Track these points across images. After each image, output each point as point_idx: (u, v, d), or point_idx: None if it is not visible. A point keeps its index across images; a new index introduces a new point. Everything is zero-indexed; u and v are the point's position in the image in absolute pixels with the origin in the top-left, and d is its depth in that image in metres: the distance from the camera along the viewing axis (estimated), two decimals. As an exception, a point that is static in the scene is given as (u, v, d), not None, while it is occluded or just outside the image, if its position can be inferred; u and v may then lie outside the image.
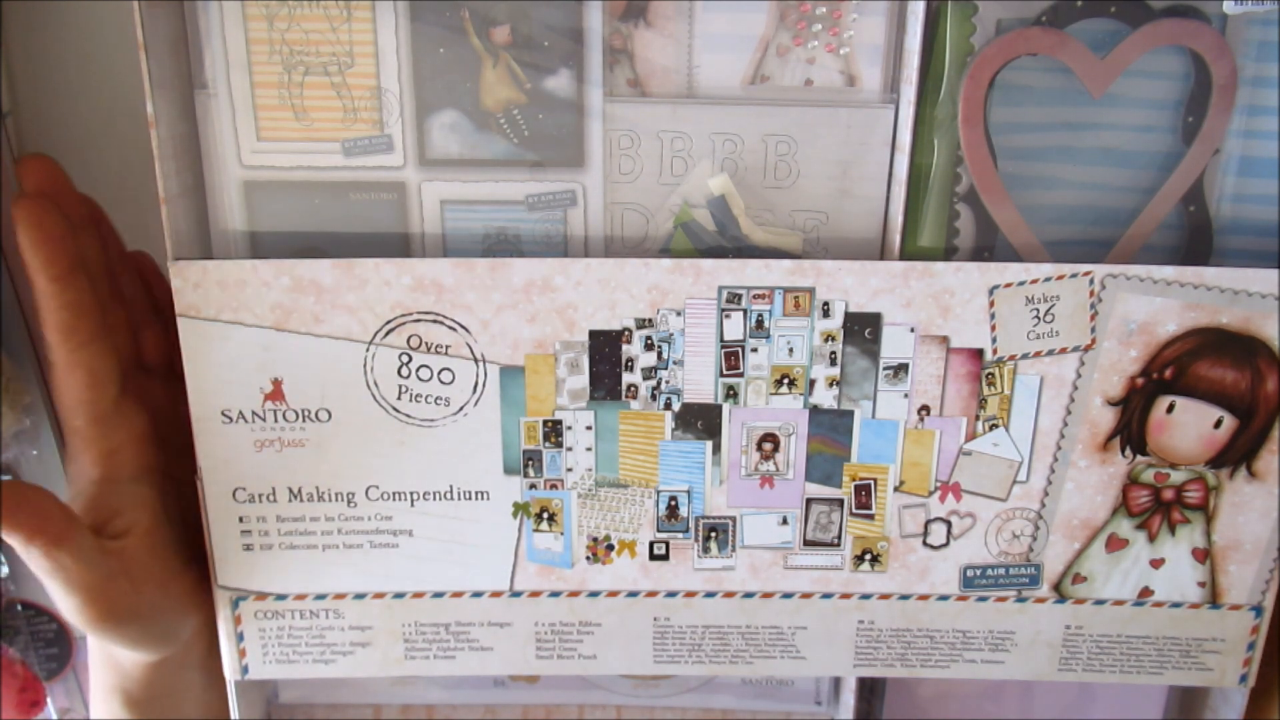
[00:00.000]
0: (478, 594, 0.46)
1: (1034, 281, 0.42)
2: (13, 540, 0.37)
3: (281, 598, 0.46)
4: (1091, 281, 0.42)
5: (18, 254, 0.39)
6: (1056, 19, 0.40)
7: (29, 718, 0.55)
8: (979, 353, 0.43)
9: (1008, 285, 0.42)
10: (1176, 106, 0.42)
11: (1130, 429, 0.43)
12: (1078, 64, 0.41)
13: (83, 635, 0.55)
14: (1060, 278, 0.42)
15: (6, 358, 0.49)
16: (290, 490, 0.44)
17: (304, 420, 0.43)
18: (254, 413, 0.43)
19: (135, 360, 0.44)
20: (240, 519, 0.44)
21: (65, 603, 0.39)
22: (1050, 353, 0.43)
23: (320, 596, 0.46)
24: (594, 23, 0.40)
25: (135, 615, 0.41)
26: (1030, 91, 0.42)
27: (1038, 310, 0.42)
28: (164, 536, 0.43)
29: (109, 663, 0.44)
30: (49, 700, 0.56)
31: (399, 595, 0.46)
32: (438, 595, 0.46)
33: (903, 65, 0.41)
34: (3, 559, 0.52)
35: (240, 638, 0.46)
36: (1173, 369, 0.42)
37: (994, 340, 0.42)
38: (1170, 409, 0.43)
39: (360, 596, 0.46)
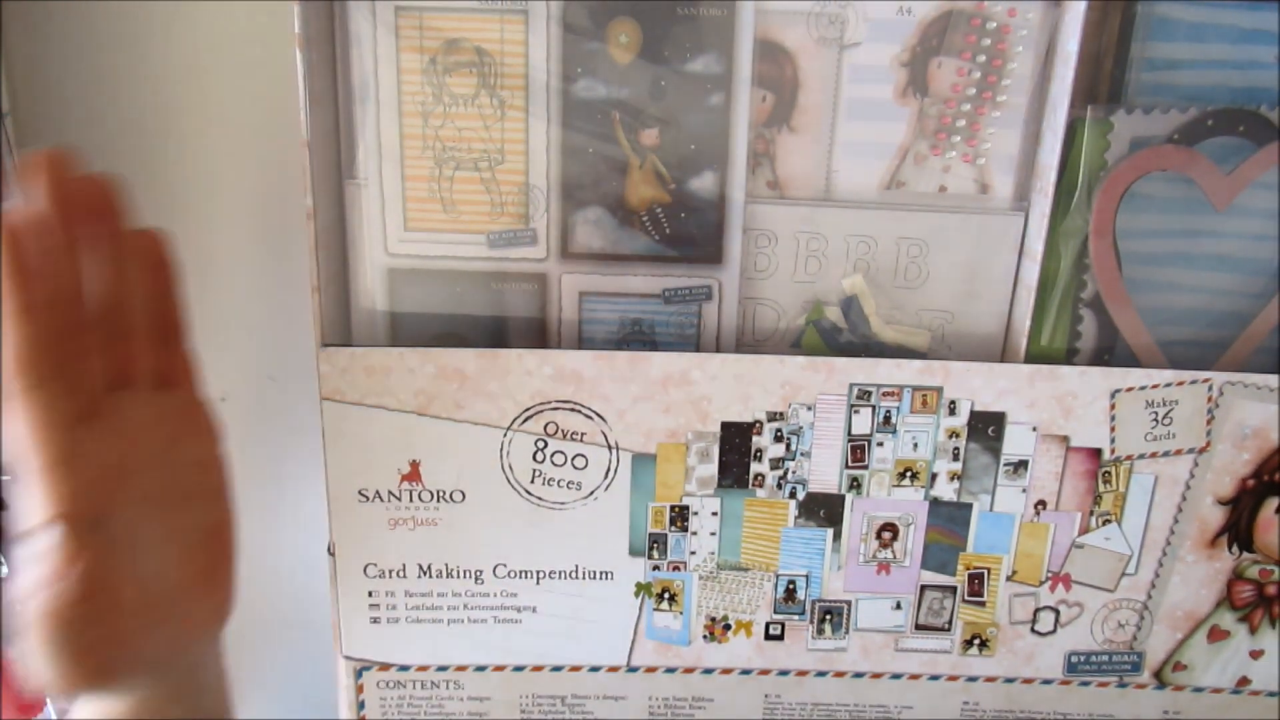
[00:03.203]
0: (595, 668, 0.47)
1: (1155, 386, 0.43)
2: None
3: (404, 668, 0.47)
4: (1210, 388, 0.43)
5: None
6: (1187, 136, 0.41)
7: (28, 718, 0.54)
8: (1097, 452, 0.44)
9: (1129, 389, 0.43)
10: (1293, 218, 0.43)
11: (1238, 527, 0.45)
12: (1204, 179, 0.42)
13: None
14: (1180, 383, 0.43)
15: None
16: (420, 566, 0.45)
17: (438, 500, 0.44)
18: (390, 492, 0.44)
19: (117, 380, 0.38)
20: (369, 593, 0.45)
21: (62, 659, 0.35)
22: (1166, 454, 0.44)
23: (442, 668, 0.47)
24: (740, 128, 0.42)
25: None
26: (1154, 200, 0.43)
27: (1156, 413, 0.43)
28: (124, 579, 0.37)
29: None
30: (49, 700, 0.55)
31: (519, 668, 0.47)
32: (556, 669, 0.47)
33: (1037, 177, 0.42)
34: (2, 560, 0.52)
35: (361, 705, 0.47)
36: (1285, 473, 0.44)
37: (1113, 441, 0.44)
38: (1279, 509, 0.44)
39: (481, 669, 0.47)
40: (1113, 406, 0.43)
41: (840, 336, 0.44)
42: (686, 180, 0.42)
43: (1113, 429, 0.44)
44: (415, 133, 0.42)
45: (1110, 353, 0.44)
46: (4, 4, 0.46)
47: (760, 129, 0.42)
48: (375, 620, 0.46)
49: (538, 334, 0.44)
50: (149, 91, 0.48)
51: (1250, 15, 0.41)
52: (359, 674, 0.47)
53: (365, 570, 0.45)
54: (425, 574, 0.45)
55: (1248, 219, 0.44)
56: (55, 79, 0.48)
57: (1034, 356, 0.44)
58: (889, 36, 0.41)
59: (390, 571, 0.45)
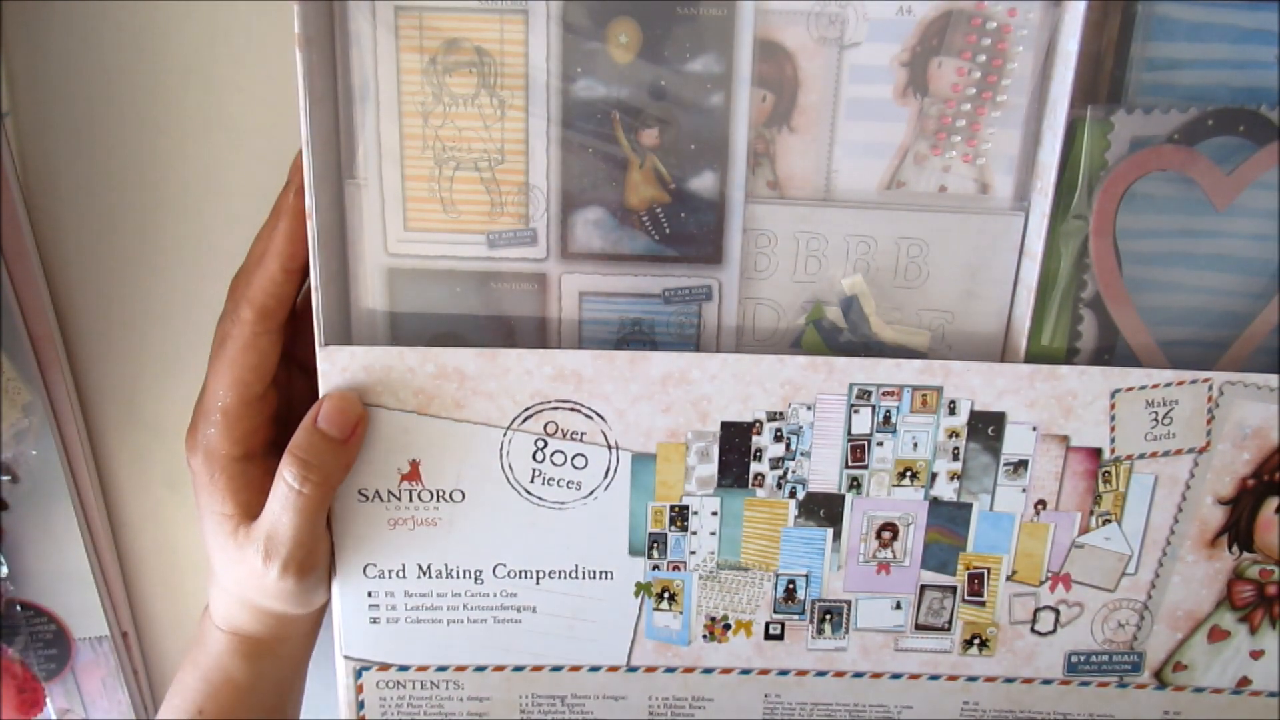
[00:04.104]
0: (595, 668, 0.47)
1: (1155, 386, 0.43)
2: (328, 432, 0.42)
3: (404, 669, 0.47)
4: (1210, 388, 0.43)
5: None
6: (1187, 136, 0.41)
7: (28, 718, 0.55)
8: (1097, 452, 0.44)
9: (1129, 389, 0.43)
10: (1294, 217, 0.43)
11: (1238, 527, 0.45)
12: (1204, 179, 0.42)
13: (84, 637, 0.55)
14: (1180, 383, 0.43)
15: (6, 358, 0.49)
16: (420, 567, 0.45)
17: (438, 500, 0.44)
18: (390, 492, 0.44)
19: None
20: (369, 593, 0.45)
21: (287, 548, 0.42)
22: (1166, 453, 0.44)
23: (442, 668, 0.47)
24: (740, 128, 0.42)
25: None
26: (1154, 200, 0.43)
27: (1156, 413, 0.43)
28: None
29: (246, 605, 0.45)
30: (48, 701, 0.56)
31: (518, 668, 0.47)
32: (556, 669, 0.47)
33: (1037, 177, 0.42)
34: (2, 559, 0.52)
35: (360, 705, 0.47)
36: (1285, 473, 0.44)
37: (1113, 440, 0.44)
38: (1279, 509, 0.44)
39: (480, 669, 0.47)
40: (1113, 406, 0.43)
41: (840, 336, 0.44)
42: (686, 180, 0.42)
43: (1113, 429, 0.44)
44: (415, 133, 0.42)
45: (1110, 352, 0.44)
46: (4, 4, 0.46)
47: (760, 129, 0.42)
48: (375, 620, 0.46)
49: (537, 334, 0.44)
50: (149, 91, 0.48)
51: (1250, 15, 0.41)
52: (358, 674, 0.47)
53: (365, 570, 0.45)
54: (425, 574, 0.45)
55: (1248, 219, 0.44)
56: (55, 79, 0.48)
57: (1034, 356, 0.44)
58: (889, 36, 0.41)
59: (390, 571, 0.45)
